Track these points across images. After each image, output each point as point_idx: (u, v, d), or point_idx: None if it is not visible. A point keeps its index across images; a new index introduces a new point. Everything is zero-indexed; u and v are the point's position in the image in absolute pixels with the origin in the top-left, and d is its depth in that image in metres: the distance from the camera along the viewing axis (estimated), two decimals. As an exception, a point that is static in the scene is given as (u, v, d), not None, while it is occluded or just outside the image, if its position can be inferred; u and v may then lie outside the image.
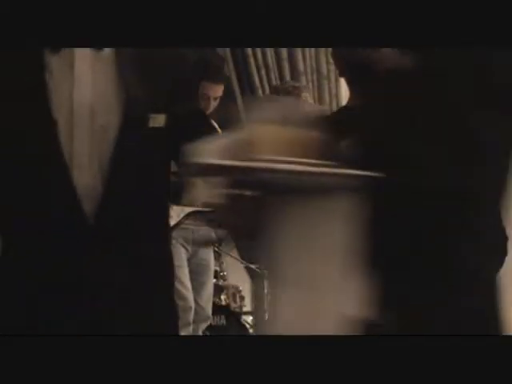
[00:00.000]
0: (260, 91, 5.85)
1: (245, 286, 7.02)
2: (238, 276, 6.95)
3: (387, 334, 1.59)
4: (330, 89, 6.03)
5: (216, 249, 5.72)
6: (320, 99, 6.02)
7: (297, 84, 5.15)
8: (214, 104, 4.01)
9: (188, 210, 4.06)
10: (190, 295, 3.93)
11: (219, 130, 2.52)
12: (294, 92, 4.29)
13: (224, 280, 5.67)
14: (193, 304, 3.93)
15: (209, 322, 4.13)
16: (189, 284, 3.96)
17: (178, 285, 3.94)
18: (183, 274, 3.95)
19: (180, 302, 3.91)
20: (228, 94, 6.11)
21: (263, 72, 5.85)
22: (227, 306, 5.49)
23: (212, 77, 3.98)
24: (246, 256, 6.75)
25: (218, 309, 5.21)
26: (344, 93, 6.06)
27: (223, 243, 6.17)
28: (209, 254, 4.16)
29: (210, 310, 4.10)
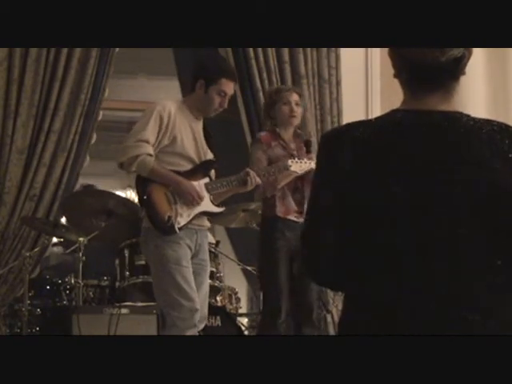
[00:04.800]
0: (261, 93, 5.84)
1: (241, 288, 7.02)
2: (234, 277, 6.94)
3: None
4: (330, 93, 6.03)
5: (213, 250, 5.71)
6: (321, 103, 6.02)
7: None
8: (227, 101, 4.07)
9: (197, 210, 4.10)
10: (196, 297, 3.93)
11: None
12: None
13: (220, 281, 5.66)
14: (199, 306, 3.93)
15: (205, 323, 4.14)
16: (194, 286, 3.97)
17: (185, 286, 3.96)
18: (190, 275, 3.96)
19: (186, 304, 3.93)
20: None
21: (265, 75, 5.84)
22: (223, 307, 5.49)
23: (230, 74, 4.05)
24: (243, 258, 6.75)
25: (213, 310, 5.20)
26: (344, 97, 6.06)
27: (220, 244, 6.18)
28: (207, 255, 4.19)
29: (206, 310, 4.11)
